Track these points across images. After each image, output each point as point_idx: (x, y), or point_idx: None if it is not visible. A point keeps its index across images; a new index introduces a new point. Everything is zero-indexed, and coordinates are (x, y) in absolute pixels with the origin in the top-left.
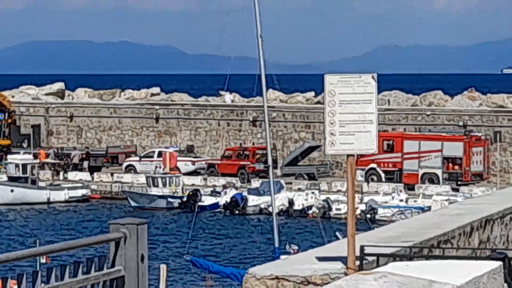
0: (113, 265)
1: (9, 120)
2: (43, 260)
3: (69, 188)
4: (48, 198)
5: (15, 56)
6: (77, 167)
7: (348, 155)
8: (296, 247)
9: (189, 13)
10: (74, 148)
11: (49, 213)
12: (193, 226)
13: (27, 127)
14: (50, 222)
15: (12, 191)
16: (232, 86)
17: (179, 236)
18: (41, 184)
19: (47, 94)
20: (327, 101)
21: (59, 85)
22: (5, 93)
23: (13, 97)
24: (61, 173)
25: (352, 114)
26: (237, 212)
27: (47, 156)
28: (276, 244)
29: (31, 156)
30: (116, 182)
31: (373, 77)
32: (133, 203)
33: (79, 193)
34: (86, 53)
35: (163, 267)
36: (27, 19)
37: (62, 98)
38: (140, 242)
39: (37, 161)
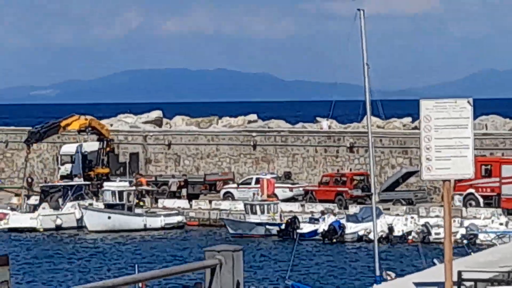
0: None
1: (108, 149)
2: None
3: (165, 215)
4: (145, 225)
5: (113, 85)
6: (175, 195)
7: (444, 180)
8: (393, 274)
9: (285, 39)
10: (173, 176)
11: (145, 239)
12: (293, 252)
13: (125, 155)
14: (147, 249)
15: (109, 217)
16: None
17: (277, 263)
18: (137, 211)
19: (145, 122)
20: (423, 127)
21: (157, 113)
22: (104, 121)
23: (111, 125)
24: (160, 200)
25: (448, 139)
26: (335, 239)
27: (147, 183)
28: (377, 273)
29: (127, 183)
30: (214, 209)
31: (468, 102)
32: (231, 231)
33: (175, 219)
34: (184, 81)
35: None
36: (126, 48)
37: (160, 126)
38: (236, 269)
39: (133, 188)
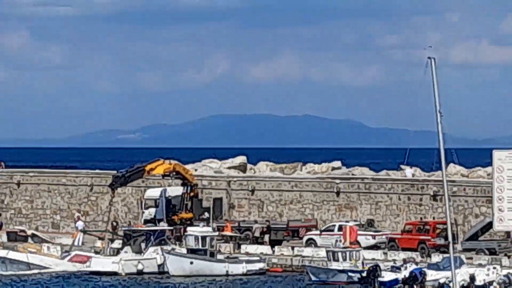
0: None
1: (192, 194)
2: None
3: (247, 261)
4: (227, 271)
5: (199, 130)
6: (257, 240)
7: None
8: None
9: (372, 86)
10: (255, 221)
11: (227, 285)
12: None
13: (209, 200)
14: None
15: (191, 263)
16: (413, 160)
17: None
18: (219, 256)
19: (229, 168)
20: (495, 177)
21: (242, 159)
22: (189, 166)
23: (196, 170)
24: (242, 246)
25: None
26: (415, 286)
27: (232, 229)
28: None
29: (210, 229)
30: (296, 255)
31: None
32: (313, 277)
33: (256, 266)
34: (269, 127)
35: None
36: (213, 93)
37: (244, 171)
38: None
39: (216, 233)
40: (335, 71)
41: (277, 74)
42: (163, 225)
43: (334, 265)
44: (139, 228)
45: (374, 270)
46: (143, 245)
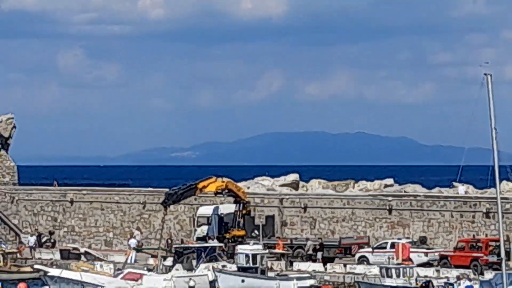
0: None
1: (244, 211)
2: None
3: (297, 278)
4: None
5: (252, 147)
6: (310, 258)
7: None
8: None
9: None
10: (307, 239)
11: None
12: None
13: (261, 217)
14: None
15: (243, 281)
16: (466, 177)
17: None
18: (270, 274)
19: (281, 185)
20: None
21: (294, 176)
22: (241, 184)
23: (248, 188)
24: (294, 263)
25: None
26: None
27: (283, 247)
28: None
29: (260, 246)
30: (348, 273)
31: None
32: None
33: (307, 283)
34: (322, 144)
35: None
36: (266, 111)
37: (296, 189)
38: None
39: (267, 251)
40: (388, 88)
41: (331, 92)
42: (214, 242)
43: (388, 282)
44: (190, 245)
45: (427, 286)
46: (194, 262)
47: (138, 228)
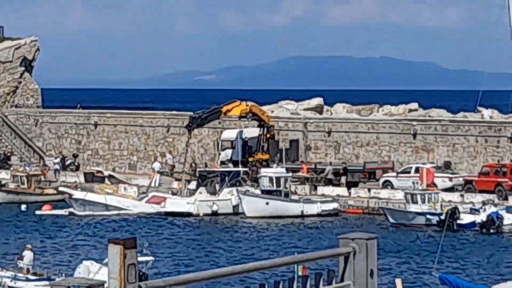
0: (342, 280)
1: (268, 135)
2: (300, 273)
3: (321, 202)
4: (302, 211)
5: (275, 71)
6: (332, 182)
7: None
8: None
9: (452, 28)
10: (330, 164)
11: (302, 225)
12: (441, 242)
13: (285, 141)
14: (303, 235)
15: (267, 203)
16: (490, 102)
17: (430, 253)
18: (293, 197)
19: (306, 109)
20: None
21: (318, 100)
22: (265, 107)
23: (272, 112)
24: (318, 187)
25: None
26: (492, 230)
27: (308, 171)
28: None
29: (284, 170)
30: (372, 197)
31: None
32: (391, 220)
33: (330, 206)
34: (346, 69)
35: (398, 281)
36: (290, 34)
37: (321, 113)
38: (370, 257)
39: (290, 174)
40: (413, 12)
41: (355, 16)
42: (237, 167)
43: (413, 208)
44: (214, 169)
45: (453, 213)
46: (217, 186)
47: (170, 152)
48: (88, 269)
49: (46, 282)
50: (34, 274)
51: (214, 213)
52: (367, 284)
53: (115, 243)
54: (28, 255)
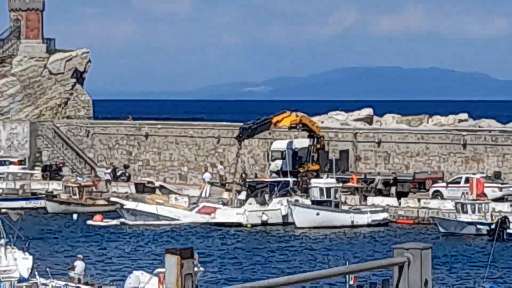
0: None
1: (318, 145)
2: (351, 282)
3: (371, 212)
4: (352, 221)
5: (324, 82)
6: (381, 192)
7: None
8: None
9: (501, 38)
10: (378, 173)
11: (352, 236)
12: (492, 253)
13: (335, 152)
14: (354, 245)
15: (317, 214)
16: None
17: (481, 263)
18: (343, 207)
19: (355, 120)
20: None
21: (368, 111)
22: (315, 118)
23: (322, 122)
24: (368, 198)
25: None
26: None
27: (357, 181)
28: None
29: (334, 180)
30: (422, 207)
31: None
32: (441, 229)
33: (380, 216)
34: (396, 79)
35: None
36: (338, 45)
37: (370, 123)
38: (424, 267)
39: (340, 185)
40: (463, 23)
41: (404, 27)
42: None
43: (463, 217)
44: (263, 180)
45: (503, 222)
46: (267, 196)
47: (221, 163)
48: (138, 279)
49: None
50: (85, 284)
51: (264, 223)
52: None
53: (172, 253)
54: (79, 265)
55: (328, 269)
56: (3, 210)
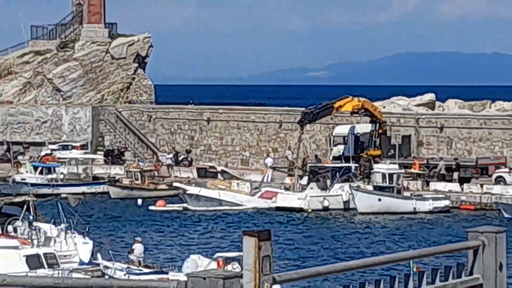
0: (471, 273)
1: (380, 131)
2: (414, 269)
3: (433, 199)
4: (414, 208)
5: (385, 67)
6: (444, 178)
7: None
8: None
9: None
10: (441, 159)
11: (414, 222)
12: None
13: (397, 137)
14: (416, 230)
15: (379, 200)
16: None
17: None
18: (405, 193)
19: (417, 105)
20: None
21: (430, 96)
22: (377, 103)
23: (384, 107)
24: (431, 183)
25: None
26: None
27: (420, 167)
28: None
29: (396, 166)
30: (485, 193)
31: None
32: (506, 215)
33: (442, 203)
34: (457, 64)
35: None
36: (400, 30)
37: (433, 109)
38: (499, 251)
39: (402, 170)
40: None
41: (465, 11)
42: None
43: None
44: (325, 165)
45: None
46: (328, 181)
47: (289, 148)
48: (196, 263)
49: (159, 276)
50: (146, 266)
51: (325, 209)
52: (496, 278)
53: (250, 235)
54: (138, 247)
55: (403, 251)
56: (63, 195)
